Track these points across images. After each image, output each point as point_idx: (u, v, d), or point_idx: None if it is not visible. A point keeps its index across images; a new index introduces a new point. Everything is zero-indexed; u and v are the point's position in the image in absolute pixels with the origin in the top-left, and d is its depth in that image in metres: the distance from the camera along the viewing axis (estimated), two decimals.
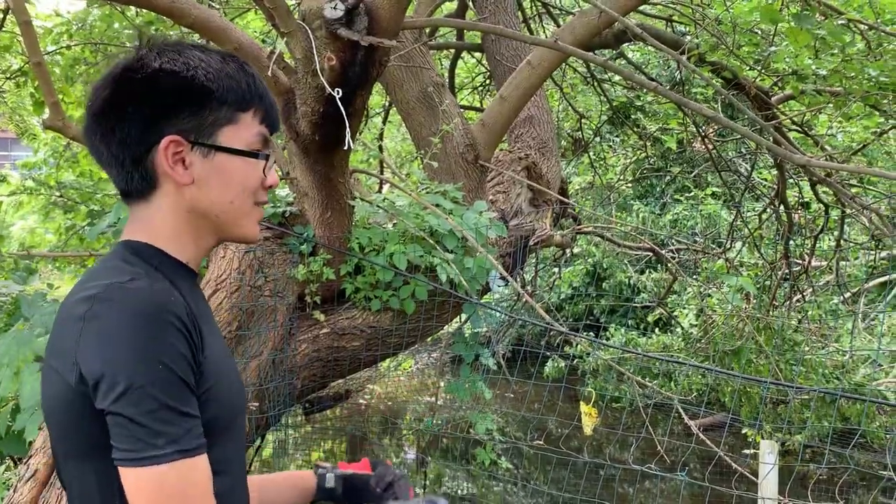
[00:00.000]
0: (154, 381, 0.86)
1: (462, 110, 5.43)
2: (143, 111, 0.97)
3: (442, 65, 7.69)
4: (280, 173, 2.76)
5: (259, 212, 1.07)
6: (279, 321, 2.58)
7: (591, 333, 10.17)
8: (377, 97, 7.46)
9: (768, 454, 2.12)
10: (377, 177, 3.58)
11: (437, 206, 2.97)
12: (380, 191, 4.85)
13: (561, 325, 2.90)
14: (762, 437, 6.04)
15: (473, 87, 8.66)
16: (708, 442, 2.16)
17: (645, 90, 7.50)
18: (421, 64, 3.45)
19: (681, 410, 2.30)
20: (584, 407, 2.05)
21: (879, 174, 3.48)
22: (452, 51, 6.99)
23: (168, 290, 0.94)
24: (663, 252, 6.86)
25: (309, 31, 2.05)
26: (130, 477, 0.87)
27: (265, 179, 1.04)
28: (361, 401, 12.09)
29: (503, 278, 3.08)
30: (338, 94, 2.05)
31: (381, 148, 6.83)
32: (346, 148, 2.17)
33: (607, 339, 9.92)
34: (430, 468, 8.73)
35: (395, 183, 3.35)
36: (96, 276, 0.95)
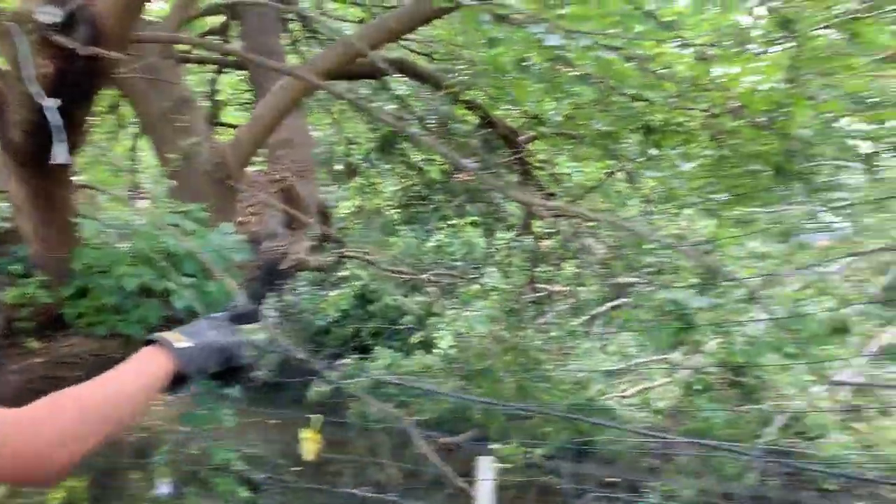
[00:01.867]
0: None
1: (218, 128, 5.28)
2: None
3: (207, 79, 7.41)
4: None
5: None
6: None
7: (359, 355, 10.27)
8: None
9: (485, 471, 2.28)
10: (105, 192, 3.36)
11: (177, 226, 2.85)
12: (124, 208, 4.54)
13: (307, 351, 2.89)
14: (504, 453, 6.46)
15: (241, 104, 8.45)
16: (435, 458, 2.27)
17: (413, 119, 7.78)
18: (168, 77, 3.31)
19: (412, 433, 2.39)
20: (304, 433, 2.05)
21: (582, 214, 3.90)
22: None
23: None
24: (423, 277, 7.14)
25: (19, 35, 1.88)
26: None
27: None
28: None
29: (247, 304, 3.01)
30: (53, 104, 1.90)
31: (134, 162, 6.42)
32: (63, 162, 2.01)
33: (373, 360, 10.06)
34: (188, 501, 8.24)
35: (132, 200, 3.15)
36: None
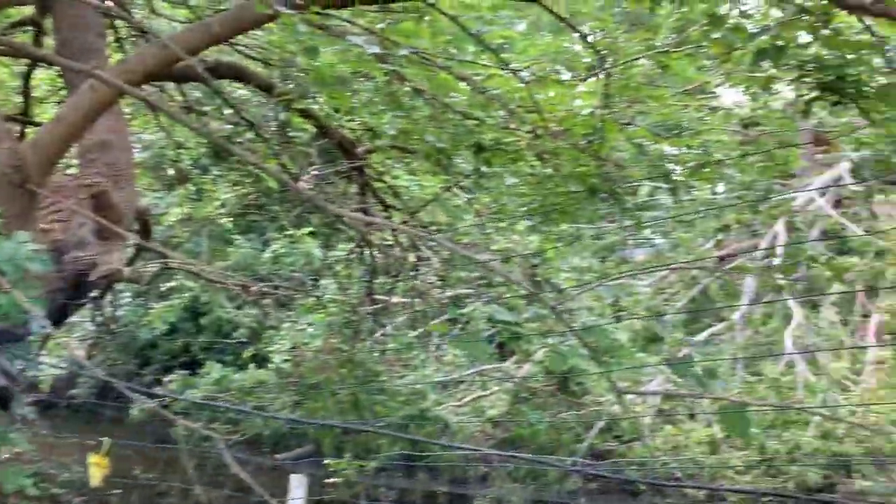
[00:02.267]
0: None
1: (31, 127, 4.87)
2: None
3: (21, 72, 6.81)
4: None
5: None
6: None
7: (188, 370, 9.80)
8: None
9: (296, 488, 2.24)
10: None
11: None
12: None
13: (103, 371, 2.71)
14: (339, 466, 6.41)
15: (59, 102, 7.83)
16: (243, 475, 2.20)
17: (247, 126, 7.55)
18: None
19: (224, 454, 2.30)
20: (91, 457, 1.92)
21: (408, 231, 3.96)
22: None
23: None
24: (254, 288, 6.94)
25: None
26: None
27: None
28: None
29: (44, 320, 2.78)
30: None
31: None
32: None
33: (203, 375, 9.65)
34: None
35: None
36: None
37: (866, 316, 8.68)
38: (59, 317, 2.99)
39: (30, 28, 5.82)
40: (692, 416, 7.45)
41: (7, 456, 2.88)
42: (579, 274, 6.97)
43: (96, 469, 1.62)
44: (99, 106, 3.09)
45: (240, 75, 5.71)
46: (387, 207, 7.13)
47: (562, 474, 6.40)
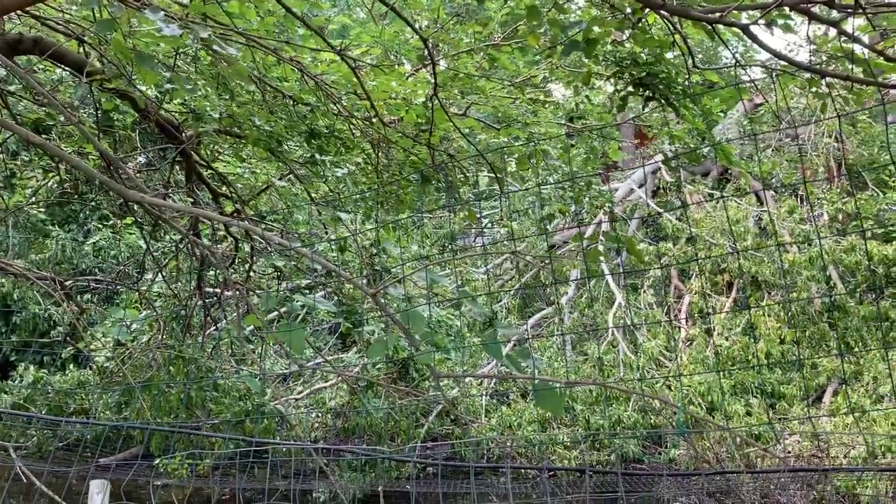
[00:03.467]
0: None
1: None
2: None
3: None
4: None
5: None
6: None
7: None
8: None
9: (97, 494, 2.09)
10: None
11: None
12: None
13: None
14: (170, 468, 6.10)
15: None
16: (37, 483, 2.02)
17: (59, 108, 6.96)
18: None
19: (13, 454, 2.10)
20: None
21: (205, 215, 3.82)
22: None
23: None
24: (68, 284, 6.43)
25: None
26: None
27: None
28: None
29: None
30: None
31: None
32: None
33: (18, 378, 8.90)
34: None
35: None
36: None
37: (680, 297, 9.43)
38: None
39: None
40: (524, 397, 7.77)
41: None
42: (419, 263, 7.03)
43: None
44: None
45: (49, 53, 5.24)
46: (217, 197, 6.84)
47: (397, 462, 6.47)
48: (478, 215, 8.03)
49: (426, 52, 5.26)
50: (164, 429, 5.62)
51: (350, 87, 5.05)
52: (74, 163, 2.27)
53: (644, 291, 9.05)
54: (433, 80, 4.84)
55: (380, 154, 5.42)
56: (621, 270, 8.32)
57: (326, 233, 6.72)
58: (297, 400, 8.32)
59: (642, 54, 4.46)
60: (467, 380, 7.50)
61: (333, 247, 6.76)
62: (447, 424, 7.46)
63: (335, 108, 5.22)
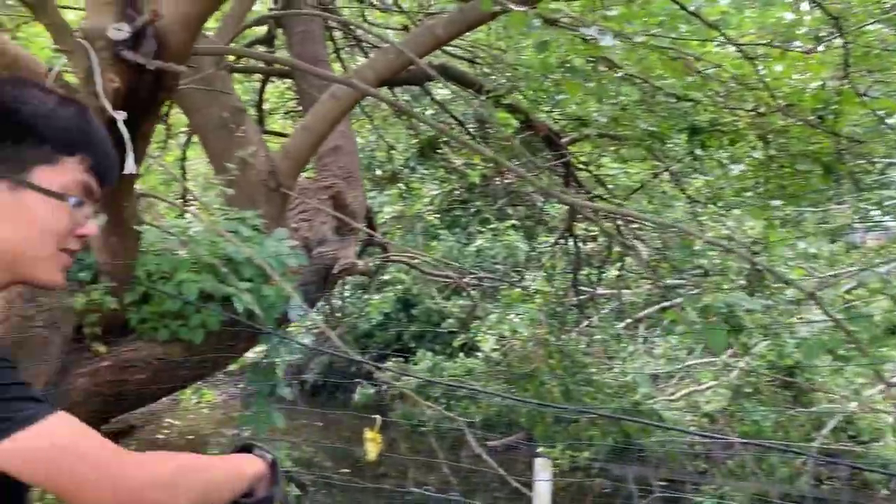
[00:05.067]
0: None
1: (265, 136, 5.38)
2: None
3: (252, 88, 7.55)
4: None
5: (65, 259, 1.04)
6: (53, 354, 2.40)
7: (401, 358, 10.35)
8: (182, 117, 7.16)
9: (541, 472, 2.30)
10: (166, 201, 3.45)
11: (235, 233, 2.92)
12: (182, 216, 4.66)
13: (357, 353, 2.94)
14: (551, 456, 6.44)
15: (285, 113, 8.58)
16: (488, 459, 2.30)
17: (457, 124, 7.83)
18: (221, 88, 3.39)
19: (467, 434, 2.42)
20: (367, 433, 2.11)
21: (631, 214, 3.88)
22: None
23: None
24: (464, 280, 7.16)
25: (90, 51, 1.96)
26: (15, 443, 0.86)
27: (77, 227, 1.03)
28: (159, 436, 11.37)
29: (302, 307, 3.08)
30: (121, 117, 1.97)
31: (183, 170, 6.57)
32: (131, 172, 2.08)
33: (415, 363, 10.12)
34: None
35: (190, 210, 3.24)
36: None
37: None
38: (308, 306, 3.29)
39: (263, 46, 6.44)
40: None
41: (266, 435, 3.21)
42: (806, 261, 6.47)
43: (372, 444, 1.77)
44: (340, 114, 3.35)
45: (449, 75, 5.93)
46: (592, 198, 7.06)
47: (795, 471, 5.99)
48: (876, 207, 7.09)
49: (821, 30, 4.80)
50: (553, 406, 5.94)
51: (736, 77, 4.84)
52: (519, 174, 2.51)
53: None
54: (837, 60, 4.40)
55: (770, 146, 5.10)
56: None
57: (703, 231, 6.52)
58: (670, 402, 8.20)
59: None
60: (868, 393, 6.67)
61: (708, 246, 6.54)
62: (842, 440, 6.72)
63: (721, 100, 5.04)
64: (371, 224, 5.25)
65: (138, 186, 2.85)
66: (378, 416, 1.92)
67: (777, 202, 5.09)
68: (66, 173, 1.01)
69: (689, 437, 7.19)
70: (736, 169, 4.83)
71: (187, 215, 3.08)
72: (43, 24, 2.08)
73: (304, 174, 4.23)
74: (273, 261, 2.88)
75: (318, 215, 3.88)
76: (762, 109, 4.92)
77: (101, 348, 2.57)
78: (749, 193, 5.38)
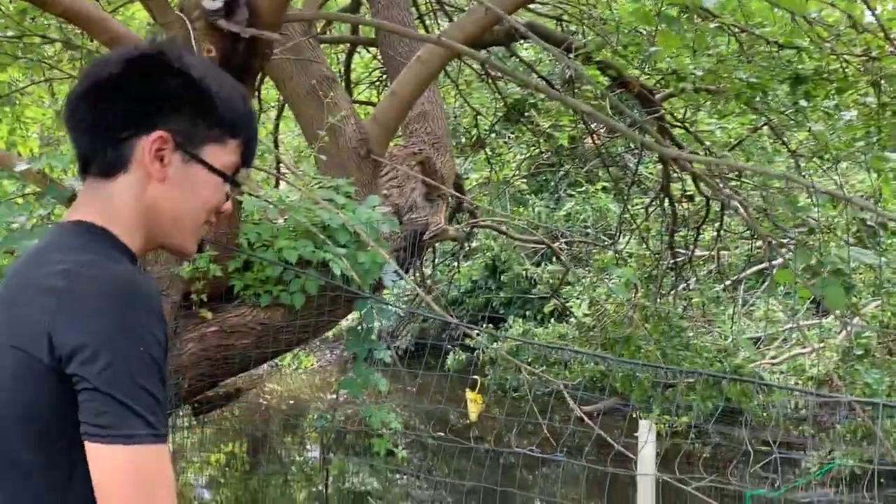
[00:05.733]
0: (137, 362, 0.88)
1: (355, 105, 5.42)
2: (145, 98, 1.00)
3: (338, 59, 7.62)
4: None
5: (203, 231, 1.10)
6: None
7: (491, 325, 10.38)
8: (272, 91, 7.32)
9: (646, 433, 2.25)
10: (266, 171, 3.53)
11: (329, 200, 2.96)
12: (277, 186, 4.77)
13: (453, 317, 2.94)
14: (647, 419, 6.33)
15: (371, 83, 8.63)
16: (590, 422, 2.27)
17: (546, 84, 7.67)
18: (311, 57, 3.42)
19: (567, 396, 2.39)
20: (469, 394, 2.13)
21: (737, 166, 3.70)
22: (348, 45, 6.95)
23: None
24: (556, 245, 7.07)
25: (187, 22, 2.00)
26: (105, 454, 0.87)
27: (222, 204, 1.09)
28: (261, 400, 11.86)
29: (397, 273, 3.10)
30: None
31: (275, 142, 6.72)
32: None
33: (506, 329, 10.12)
34: (333, 464, 8.69)
35: (285, 178, 3.30)
36: (64, 252, 0.96)
37: None
38: (402, 273, 3.32)
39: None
40: None
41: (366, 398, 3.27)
42: None
43: (473, 405, 1.77)
44: (428, 77, 3.33)
45: (537, 33, 5.79)
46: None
47: None
48: None
49: None
50: (650, 366, 5.83)
51: (846, 21, 4.52)
52: (615, 126, 2.43)
53: None
54: None
55: (884, 92, 4.76)
56: None
57: (812, 186, 6.17)
58: (772, 365, 7.91)
59: None
60: None
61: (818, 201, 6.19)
62: None
63: (828, 45, 4.72)
64: (460, 189, 5.24)
65: None
66: (478, 377, 1.91)
67: (892, 154, 4.75)
68: (229, 154, 1.06)
69: (793, 400, 6.93)
70: (844, 118, 4.53)
71: (283, 185, 3.14)
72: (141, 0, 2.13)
73: (393, 142, 4.25)
74: (367, 227, 2.91)
75: (408, 181, 3.89)
76: (874, 53, 4.60)
77: (208, 314, 2.66)
78: (860, 143, 5.05)
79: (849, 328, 6.07)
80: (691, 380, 6.89)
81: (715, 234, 7.74)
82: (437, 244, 6.27)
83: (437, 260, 10.04)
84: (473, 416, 1.77)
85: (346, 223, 2.87)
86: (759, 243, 7.67)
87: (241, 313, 2.73)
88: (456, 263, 10.11)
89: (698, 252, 8.09)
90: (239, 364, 2.72)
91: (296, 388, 12.05)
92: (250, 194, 2.81)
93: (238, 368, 2.75)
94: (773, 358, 8.18)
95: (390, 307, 3.07)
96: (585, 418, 2.29)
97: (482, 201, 10.08)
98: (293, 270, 2.71)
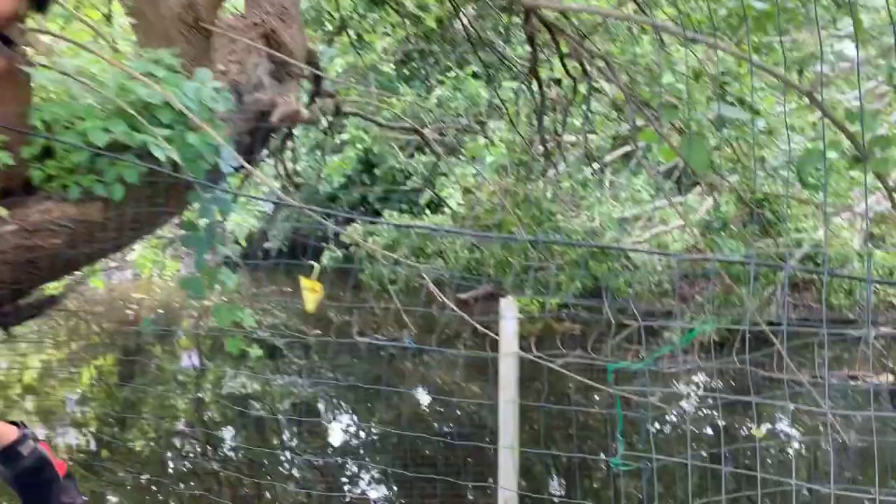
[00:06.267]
0: None
1: None
2: None
3: None
4: None
5: None
6: None
7: (368, 221, 10.15)
8: None
9: (507, 310, 2.13)
10: (59, 37, 3.03)
11: (149, 74, 2.55)
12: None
13: (319, 213, 2.67)
14: (521, 303, 6.41)
15: None
16: (456, 309, 2.11)
17: None
18: None
19: (430, 283, 2.21)
20: (304, 282, 1.91)
21: (591, 9, 3.53)
22: None
23: None
24: (426, 131, 6.83)
25: None
26: None
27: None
28: (128, 311, 11.26)
29: (236, 159, 2.77)
30: None
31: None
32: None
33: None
34: (210, 371, 8.41)
35: (86, 48, 2.83)
36: None
37: None
38: (245, 160, 2.98)
39: None
40: None
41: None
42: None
43: (310, 294, 1.54)
44: None
45: None
46: (553, 34, 6.62)
47: (762, 301, 6.04)
48: None
49: None
50: (517, 240, 5.83)
51: None
52: None
53: None
54: None
55: None
56: None
57: (672, 64, 6.17)
58: (637, 244, 8.17)
59: None
60: (835, 220, 6.65)
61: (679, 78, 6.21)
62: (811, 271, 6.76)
63: None
64: (317, 67, 4.82)
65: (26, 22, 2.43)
66: (315, 264, 1.68)
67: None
68: None
69: (656, 276, 7.19)
70: None
71: (89, 55, 2.68)
72: None
73: (229, 11, 3.78)
74: (193, 103, 2.54)
75: (251, 56, 3.47)
76: None
77: (3, 211, 2.26)
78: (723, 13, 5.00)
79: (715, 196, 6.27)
80: (560, 262, 7.00)
81: (583, 118, 7.71)
82: (295, 131, 5.87)
83: (301, 151, 9.58)
84: (311, 305, 1.56)
85: (170, 99, 2.48)
86: (626, 126, 7.72)
87: (46, 209, 2.33)
88: (325, 157, 9.69)
89: (567, 137, 8.08)
90: (49, 267, 2.35)
91: (165, 296, 11.48)
92: (43, 66, 2.36)
93: (49, 273, 2.39)
94: (639, 237, 8.45)
95: (228, 197, 2.74)
96: (446, 301, 2.12)
97: (350, 92, 9.62)
98: (105, 156, 2.32)
